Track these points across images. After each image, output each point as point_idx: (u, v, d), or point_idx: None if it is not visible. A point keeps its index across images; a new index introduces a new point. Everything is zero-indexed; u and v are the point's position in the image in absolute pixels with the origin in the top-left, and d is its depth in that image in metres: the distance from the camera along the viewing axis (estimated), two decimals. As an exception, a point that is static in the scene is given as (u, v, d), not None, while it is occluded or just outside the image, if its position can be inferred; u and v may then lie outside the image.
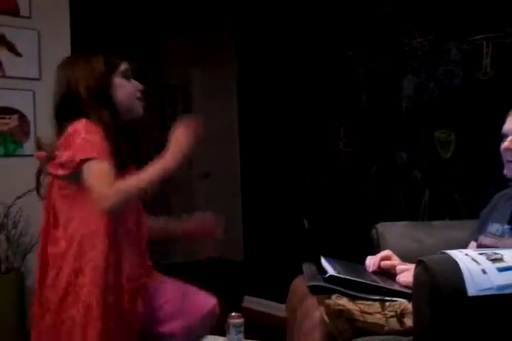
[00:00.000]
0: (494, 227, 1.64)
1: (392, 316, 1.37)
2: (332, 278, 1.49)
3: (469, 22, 2.36)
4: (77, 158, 1.39)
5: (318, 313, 1.45)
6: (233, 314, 2.16)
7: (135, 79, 1.63)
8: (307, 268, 1.69)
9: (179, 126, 1.50)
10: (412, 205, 2.62)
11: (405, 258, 1.69)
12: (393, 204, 2.71)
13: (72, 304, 1.42)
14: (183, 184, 5.49)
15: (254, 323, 2.48)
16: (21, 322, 2.59)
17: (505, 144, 1.57)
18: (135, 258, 1.53)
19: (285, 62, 3.38)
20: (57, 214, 1.47)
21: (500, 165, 1.61)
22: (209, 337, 2.28)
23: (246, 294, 3.69)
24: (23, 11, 2.92)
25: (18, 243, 2.69)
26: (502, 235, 1.59)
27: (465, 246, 1.73)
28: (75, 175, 1.42)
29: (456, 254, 1.13)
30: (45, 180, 1.54)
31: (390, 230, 2.03)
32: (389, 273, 1.65)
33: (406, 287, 1.48)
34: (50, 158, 1.48)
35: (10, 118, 2.88)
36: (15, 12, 2.90)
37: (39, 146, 1.59)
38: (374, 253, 1.76)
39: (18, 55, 2.91)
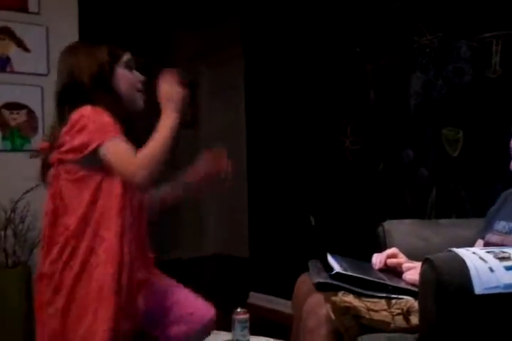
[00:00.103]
0: (501, 225, 1.64)
1: (398, 314, 1.37)
2: (338, 275, 1.49)
3: (479, 20, 2.35)
4: (94, 143, 1.40)
5: (324, 310, 1.45)
6: (239, 310, 2.16)
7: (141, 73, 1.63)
8: (313, 265, 1.69)
9: (163, 80, 1.50)
10: (418, 203, 2.61)
11: (412, 256, 1.68)
12: (400, 202, 2.70)
13: (85, 284, 1.43)
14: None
15: (260, 319, 2.49)
16: (28, 315, 2.61)
17: None
18: (134, 243, 1.51)
19: (292, 59, 3.37)
20: (65, 200, 1.47)
21: (508, 164, 1.61)
22: (214, 332, 2.29)
23: (252, 290, 3.69)
24: (32, 6, 2.93)
25: (26, 237, 2.70)
26: (509, 232, 1.59)
27: (472, 244, 1.73)
28: (86, 159, 1.43)
29: (463, 252, 1.13)
30: (50, 171, 1.54)
31: (396, 228, 2.02)
32: (395, 271, 1.65)
33: (412, 285, 1.48)
34: (57, 146, 1.48)
35: (18, 114, 2.89)
36: (24, 8, 2.91)
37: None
38: (380, 250, 1.76)
39: (27, 50, 2.92)
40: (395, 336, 1.34)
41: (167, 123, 1.47)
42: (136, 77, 1.62)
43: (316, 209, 3.23)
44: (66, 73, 1.54)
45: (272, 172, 3.56)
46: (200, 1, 4.73)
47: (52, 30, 2.97)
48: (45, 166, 1.55)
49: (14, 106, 2.88)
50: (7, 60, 2.88)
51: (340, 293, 1.43)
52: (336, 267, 1.56)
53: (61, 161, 1.48)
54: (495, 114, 2.29)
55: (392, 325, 1.36)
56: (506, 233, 1.60)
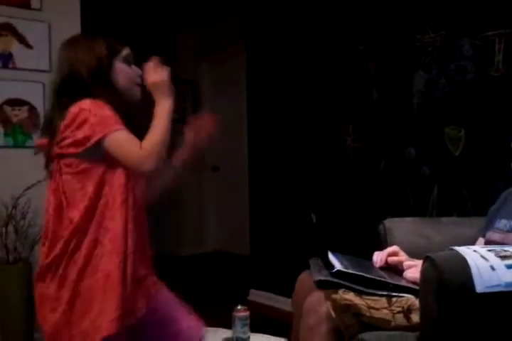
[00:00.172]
0: (502, 223, 1.64)
1: (399, 312, 1.37)
2: (339, 273, 1.49)
3: (482, 18, 2.34)
4: (96, 136, 1.41)
5: (324, 308, 1.45)
6: (239, 307, 2.16)
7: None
8: (314, 263, 1.69)
9: (148, 68, 1.53)
10: (420, 201, 2.61)
11: (413, 255, 1.69)
12: (401, 200, 2.70)
13: (90, 277, 1.43)
14: (192, 177, 5.50)
15: (260, 317, 2.49)
16: (29, 311, 2.61)
17: None
18: (136, 235, 1.51)
19: (295, 57, 3.37)
20: (68, 193, 1.47)
21: (509, 163, 1.61)
22: (215, 329, 2.29)
23: (252, 288, 3.70)
24: (34, 3, 2.93)
25: (27, 234, 2.70)
26: (510, 231, 1.59)
27: (473, 242, 1.73)
28: (88, 152, 1.43)
29: (465, 251, 1.13)
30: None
31: (397, 226, 2.02)
32: (396, 269, 1.65)
33: (413, 283, 1.49)
34: (57, 141, 1.48)
35: (20, 110, 2.89)
36: (26, 4, 2.91)
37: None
38: (381, 248, 1.76)
39: (29, 47, 2.92)
40: (396, 334, 1.34)
41: (162, 109, 1.51)
42: (135, 71, 1.62)
43: (317, 207, 3.23)
44: (65, 66, 1.55)
45: (273, 170, 3.56)
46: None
47: (54, 27, 2.97)
48: (49, 161, 1.55)
49: (16, 103, 2.88)
50: (9, 57, 2.88)
51: (340, 291, 1.43)
52: (337, 265, 1.56)
53: (61, 156, 1.48)
54: (497, 112, 2.28)
55: (392, 323, 1.36)
56: (507, 231, 1.60)
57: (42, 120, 2.92)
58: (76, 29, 3.03)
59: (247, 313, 2.15)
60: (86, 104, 1.44)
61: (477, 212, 2.23)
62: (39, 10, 2.94)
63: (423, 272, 1.16)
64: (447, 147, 2.49)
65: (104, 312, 1.39)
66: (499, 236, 1.60)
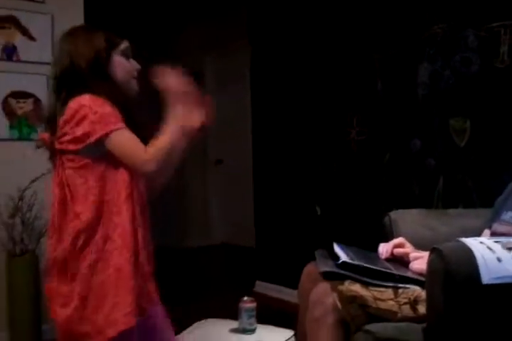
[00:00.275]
0: (508, 215, 1.64)
1: (405, 303, 1.37)
2: (345, 265, 1.49)
3: (487, 9, 2.33)
4: (96, 134, 1.40)
5: (330, 299, 1.45)
6: (245, 298, 2.17)
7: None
8: (320, 254, 1.69)
9: (167, 73, 1.47)
10: (425, 193, 2.61)
11: (418, 246, 1.69)
12: (407, 191, 2.70)
13: (102, 269, 1.43)
14: (197, 171, 5.51)
15: (266, 308, 2.50)
16: (36, 303, 2.63)
17: None
18: (143, 226, 1.51)
19: (299, 50, 3.36)
20: (72, 187, 1.47)
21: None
22: (221, 320, 2.30)
23: (258, 279, 3.71)
24: (38, -5, 2.93)
25: (33, 226, 2.71)
26: (516, 223, 1.58)
27: (479, 234, 1.72)
28: (87, 149, 1.43)
29: (471, 242, 1.13)
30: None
31: (403, 217, 2.02)
32: (402, 261, 1.65)
33: (419, 274, 1.49)
34: (57, 136, 1.48)
35: (25, 103, 2.89)
36: (29, -4, 2.90)
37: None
38: (387, 240, 1.76)
39: (32, 39, 2.91)
40: (402, 325, 1.34)
41: (173, 116, 1.45)
42: (133, 65, 1.62)
43: (322, 199, 3.23)
44: (65, 58, 1.54)
45: (277, 163, 3.56)
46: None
47: (57, 19, 2.96)
48: (52, 155, 1.55)
49: (21, 95, 2.88)
50: (13, 49, 2.88)
51: (346, 282, 1.43)
52: (343, 256, 1.56)
53: (62, 151, 1.49)
54: (502, 104, 2.27)
55: (399, 315, 1.36)
56: (514, 223, 1.59)
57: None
58: (79, 21, 3.02)
59: (253, 304, 2.16)
60: (86, 99, 1.43)
61: (483, 204, 2.23)
62: (42, 2, 2.93)
63: (430, 263, 1.16)
64: (452, 138, 2.49)
65: (118, 307, 1.39)
66: (506, 229, 1.60)
